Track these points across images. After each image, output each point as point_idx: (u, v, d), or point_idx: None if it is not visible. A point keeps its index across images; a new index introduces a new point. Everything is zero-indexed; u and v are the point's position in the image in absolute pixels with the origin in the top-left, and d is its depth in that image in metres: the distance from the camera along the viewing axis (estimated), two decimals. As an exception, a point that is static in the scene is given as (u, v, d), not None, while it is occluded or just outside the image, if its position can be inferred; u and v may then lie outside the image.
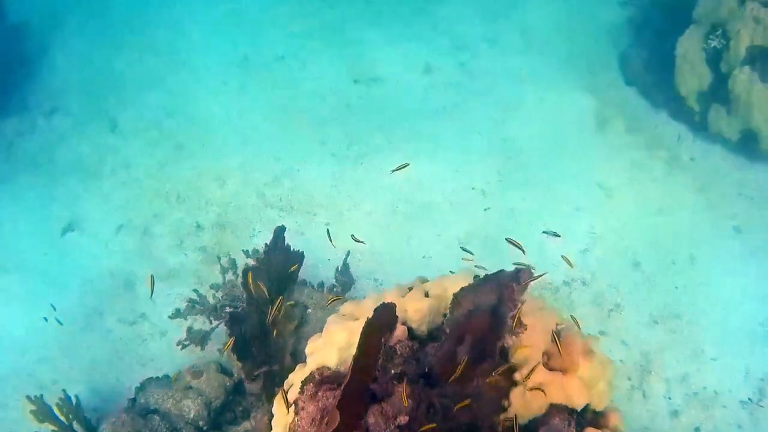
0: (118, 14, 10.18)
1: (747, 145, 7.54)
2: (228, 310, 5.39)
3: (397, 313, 4.13)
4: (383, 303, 3.80)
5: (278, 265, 5.12)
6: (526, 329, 3.90)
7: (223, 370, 5.50)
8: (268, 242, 5.11)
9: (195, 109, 8.65)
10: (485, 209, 7.28)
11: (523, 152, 7.79)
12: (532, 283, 4.05)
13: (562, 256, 5.05)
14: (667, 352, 6.22)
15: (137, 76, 9.25)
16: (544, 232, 5.16)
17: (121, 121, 8.63)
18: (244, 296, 4.75)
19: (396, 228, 7.11)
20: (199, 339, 5.50)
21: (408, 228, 7.10)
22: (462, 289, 4.08)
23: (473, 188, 7.45)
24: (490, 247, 6.90)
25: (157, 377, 5.54)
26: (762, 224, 7.14)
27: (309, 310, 5.60)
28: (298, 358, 5.23)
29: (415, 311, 4.10)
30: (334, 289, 5.90)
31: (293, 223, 7.23)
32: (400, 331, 3.93)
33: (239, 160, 7.95)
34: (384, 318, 3.78)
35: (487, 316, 3.89)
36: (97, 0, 10.42)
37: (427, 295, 4.32)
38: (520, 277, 3.97)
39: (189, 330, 5.63)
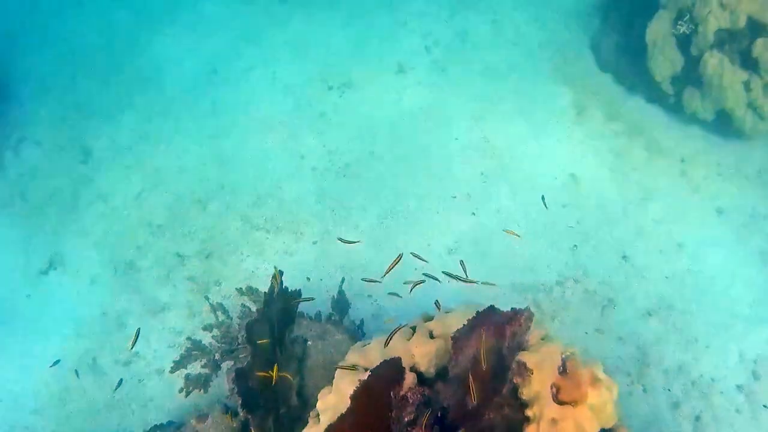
0: (79, 36, 9.82)
1: (722, 125, 7.61)
2: (230, 359, 5.31)
3: (403, 359, 4.15)
4: (386, 361, 3.82)
5: (278, 310, 5.06)
6: (532, 374, 3.92)
7: (228, 410, 5.48)
8: (266, 290, 5.01)
9: (167, 130, 8.43)
10: (472, 213, 7.27)
11: (504, 151, 7.76)
12: (531, 324, 4.10)
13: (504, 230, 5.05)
14: (663, 344, 6.33)
15: (104, 98, 8.95)
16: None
17: (93, 148, 8.38)
18: (247, 347, 4.67)
19: (385, 241, 7.07)
20: (201, 383, 5.43)
21: (397, 241, 7.06)
22: (458, 331, 4.10)
23: (455, 196, 7.40)
24: (480, 252, 6.93)
25: (162, 424, 5.50)
26: (741, 203, 7.25)
27: (309, 343, 5.56)
28: (303, 395, 5.22)
29: (422, 356, 4.12)
30: (332, 318, 5.86)
31: (281, 243, 7.17)
32: (410, 380, 3.94)
33: (218, 181, 7.80)
34: (387, 374, 3.82)
35: (489, 364, 3.92)
36: (55, 23, 10.05)
37: (431, 335, 4.33)
38: (519, 317, 3.99)
39: (187, 377, 5.53)
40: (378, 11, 9.49)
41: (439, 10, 9.39)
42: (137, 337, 4.91)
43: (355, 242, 5.78)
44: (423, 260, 5.42)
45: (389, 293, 5.58)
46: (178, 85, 8.96)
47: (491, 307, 4.19)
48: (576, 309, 6.52)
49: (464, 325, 4.15)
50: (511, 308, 4.10)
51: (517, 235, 5.79)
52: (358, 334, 5.94)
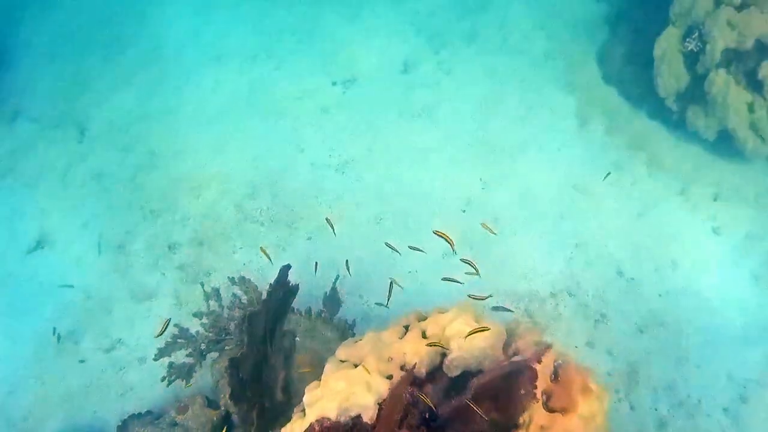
0: (81, 7, 9.70)
1: (723, 144, 7.58)
2: (216, 351, 5.21)
3: (394, 357, 4.08)
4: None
5: (276, 303, 4.95)
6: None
7: (209, 403, 5.38)
8: (271, 282, 4.88)
9: (167, 112, 8.34)
10: (462, 210, 7.21)
11: (506, 156, 7.70)
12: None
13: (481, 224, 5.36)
14: (653, 362, 6.27)
15: (104, 74, 8.89)
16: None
17: (89, 125, 8.29)
18: (243, 338, 4.58)
19: (380, 240, 6.97)
20: (185, 373, 5.32)
21: (392, 240, 6.96)
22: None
23: (460, 204, 7.35)
24: (474, 258, 6.84)
25: (140, 413, 5.40)
26: (737, 225, 7.20)
27: (297, 338, 5.48)
28: (289, 390, 5.13)
29: (413, 355, 4.03)
30: (322, 314, 5.77)
31: (274, 237, 7.07)
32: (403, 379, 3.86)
33: (215, 169, 7.70)
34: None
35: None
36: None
37: (424, 335, 4.25)
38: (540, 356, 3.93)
39: (171, 365, 5.41)
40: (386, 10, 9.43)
41: (448, 13, 9.34)
42: (166, 327, 4.82)
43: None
44: (421, 251, 5.29)
45: (376, 303, 5.51)
46: (181, 67, 8.87)
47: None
48: (568, 322, 6.47)
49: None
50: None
51: (493, 232, 5.66)
52: (347, 333, 5.84)
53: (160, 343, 5.59)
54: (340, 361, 4.15)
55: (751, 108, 7.13)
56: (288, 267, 4.89)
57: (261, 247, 5.29)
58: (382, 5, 9.49)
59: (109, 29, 9.42)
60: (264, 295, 4.77)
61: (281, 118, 8.17)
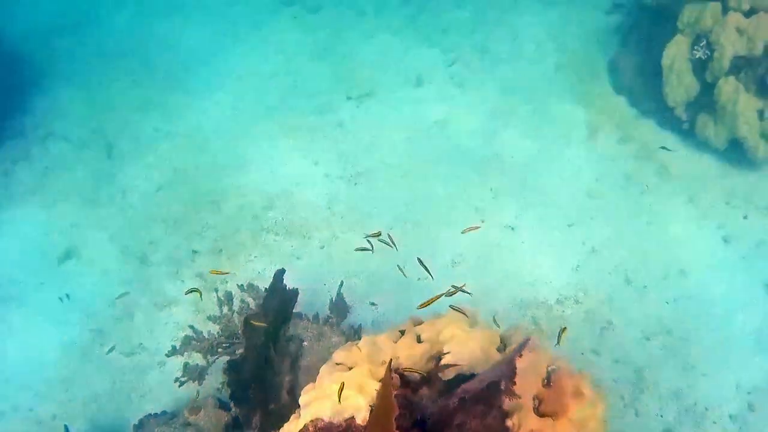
0: (111, 35, 10.27)
1: (734, 153, 7.60)
2: (226, 354, 5.46)
3: (387, 360, 4.23)
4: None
5: (275, 307, 5.18)
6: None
7: (222, 404, 5.62)
8: (266, 287, 5.15)
9: (190, 131, 8.72)
10: (482, 221, 7.36)
11: (516, 167, 7.85)
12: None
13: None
14: (659, 369, 6.31)
15: (132, 97, 9.31)
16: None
17: (117, 145, 8.69)
18: (243, 341, 4.82)
19: (390, 250, 7.15)
20: (197, 375, 5.58)
21: (403, 249, 7.14)
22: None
23: (465, 214, 7.51)
24: (482, 265, 7.01)
25: (156, 413, 5.66)
26: (747, 233, 7.20)
27: (305, 343, 5.69)
28: (295, 393, 5.32)
29: (407, 358, 4.19)
30: (329, 320, 5.98)
31: (289, 247, 7.32)
32: (393, 381, 4.01)
33: (234, 182, 8.01)
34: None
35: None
36: (88, 22, 10.50)
37: (419, 339, 4.40)
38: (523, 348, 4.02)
39: (185, 366, 5.71)
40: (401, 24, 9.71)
41: (460, 27, 9.56)
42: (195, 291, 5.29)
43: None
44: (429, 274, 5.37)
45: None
46: (203, 87, 9.27)
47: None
48: (574, 329, 6.53)
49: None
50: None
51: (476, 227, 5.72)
52: (354, 338, 6.03)
53: (176, 341, 5.89)
54: (336, 363, 4.32)
55: (761, 115, 7.15)
56: (282, 271, 5.13)
57: (212, 270, 5.55)
58: (397, 21, 9.76)
59: (137, 55, 9.91)
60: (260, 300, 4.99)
61: (298, 132, 8.45)
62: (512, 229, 7.33)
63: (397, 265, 5.62)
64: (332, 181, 7.90)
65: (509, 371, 3.89)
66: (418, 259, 4.98)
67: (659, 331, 6.54)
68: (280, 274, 5.20)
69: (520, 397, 3.93)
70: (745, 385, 6.18)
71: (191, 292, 5.34)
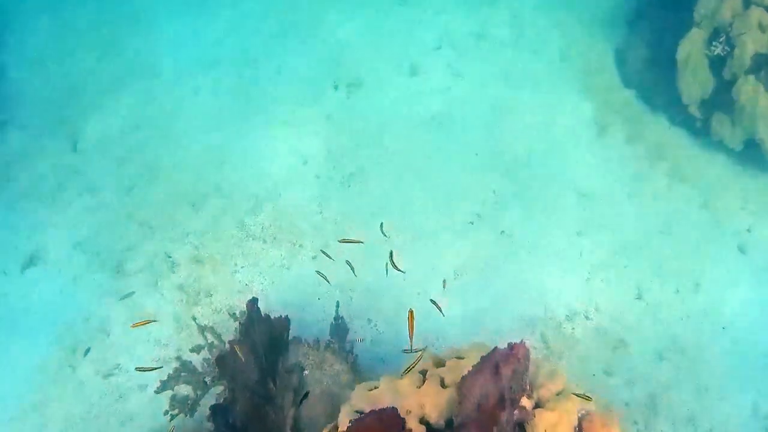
0: (72, 11, 9.29)
1: (749, 155, 7.22)
2: (221, 388, 4.96)
3: (413, 409, 3.86)
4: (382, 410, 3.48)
5: (263, 337, 4.69)
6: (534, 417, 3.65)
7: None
8: (242, 321, 4.64)
9: (164, 122, 7.97)
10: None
11: (519, 167, 7.35)
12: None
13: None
14: (674, 391, 6.00)
15: (96, 81, 8.49)
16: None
17: (83, 135, 7.93)
18: (225, 382, 4.32)
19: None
20: (188, 407, 5.09)
21: (400, 260, 6.65)
22: (463, 378, 3.77)
23: (470, 219, 7.03)
24: (486, 279, 6.58)
25: (140, 447, 5.18)
26: (765, 242, 6.88)
27: (306, 372, 5.23)
28: (299, 428, 4.89)
29: (433, 407, 3.84)
30: (331, 345, 5.50)
31: (277, 256, 6.78)
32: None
33: (215, 181, 7.38)
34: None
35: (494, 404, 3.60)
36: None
37: (442, 383, 4.01)
38: (514, 354, 3.64)
39: (173, 398, 5.20)
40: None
41: (456, 9, 8.90)
42: None
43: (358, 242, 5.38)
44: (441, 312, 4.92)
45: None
46: (177, 74, 8.48)
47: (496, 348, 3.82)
48: (585, 348, 6.18)
49: (470, 369, 3.81)
50: (508, 343, 3.75)
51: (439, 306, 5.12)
52: (357, 364, 5.58)
53: (163, 375, 5.38)
54: (356, 411, 3.91)
55: (781, 117, 6.75)
56: (255, 300, 4.65)
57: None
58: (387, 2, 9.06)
59: (101, 33, 9.02)
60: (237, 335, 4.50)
61: (282, 125, 7.81)
62: (516, 236, 6.87)
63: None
64: (323, 181, 7.32)
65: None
66: (432, 300, 4.54)
67: (673, 349, 6.22)
68: (253, 305, 4.70)
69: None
70: (763, 408, 5.92)
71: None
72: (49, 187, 7.50)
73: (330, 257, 5.57)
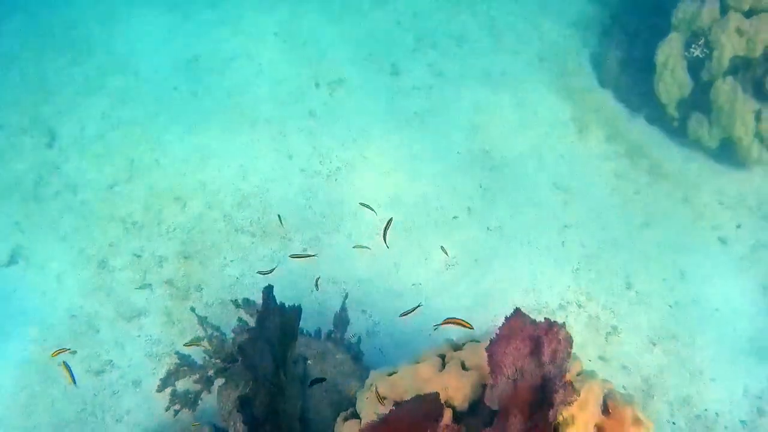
0: (47, 10, 9.08)
1: (724, 153, 7.54)
2: (222, 381, 4.80)
3: (438, 392, 3.78)
4: (421, 396, 3.42)
5: (276, 328, 4.58)
6: (579, 395, 3.62)
7: (218, 430, 5.01)
8: (258, 309, 4.51)
9: (143, 119, 7.81)
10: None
11: (505, 165, 7.49)
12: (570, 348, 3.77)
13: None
14: (667, 375, 6.13)
15: (73, 78, 8.26)
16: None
17: (60, 132, 7.69)
18: (246, 373, 4.19)
19: (380, 253, 6.67)
20: (190, 401, 4.92)
21: (393, 252, 6.66)
22: (491, 343, 3.68)
23: (456, 215, 7.09)
24: (479, 269, 6.63)
25: (141, 444, 4.98)
26: (744, 235, 7.15)
27: (309, 362, 5.14)
28: (306, 416, 4.80)
29: (457, 390, 3.78)
30: (332, 336, 5.44)
31: (268, 250, 6.69)
32: (447, 417, 3.57)
33: (199, 178, 7.26)
34: (425, 411, 3.43)
35: (534, 384, 3.58)
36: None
37: (464, 365, 3.98)
38: (556, 331, 3.64)
39: (174, 393, 5.00)
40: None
41: (435, 12, 9.08)
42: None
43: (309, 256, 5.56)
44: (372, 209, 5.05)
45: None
46: (156, 70, 8.36)
47: (519, 312, 3.77)
48: (580, 335, 6.27)
49: (497, 335, 3.75)
50: (545, 318, 3.74)
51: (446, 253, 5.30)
52: (358, 353, 5.53)
53: (162, 372, 5.20)
54: (382, 398, 3.83)
55: (758, 117, 7.07)
56: (270, 288, 4.55)
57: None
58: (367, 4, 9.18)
59: (77, 30, 8.83)
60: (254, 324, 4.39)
61: (267, 123, 7.77)
62: (505, 230, 6.97)
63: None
64: (309, 176, 7.29)
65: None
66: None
67: (664, 335, 6.37)
68: (269, 293, 4.59)
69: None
70: (753, 389, 6.09)
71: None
72: (27, 185, 7.23)
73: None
